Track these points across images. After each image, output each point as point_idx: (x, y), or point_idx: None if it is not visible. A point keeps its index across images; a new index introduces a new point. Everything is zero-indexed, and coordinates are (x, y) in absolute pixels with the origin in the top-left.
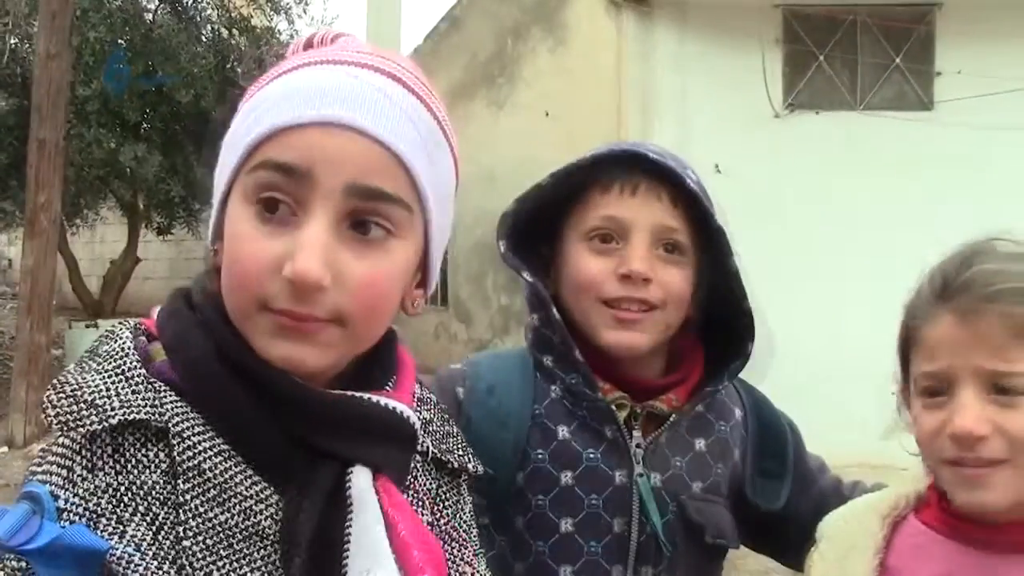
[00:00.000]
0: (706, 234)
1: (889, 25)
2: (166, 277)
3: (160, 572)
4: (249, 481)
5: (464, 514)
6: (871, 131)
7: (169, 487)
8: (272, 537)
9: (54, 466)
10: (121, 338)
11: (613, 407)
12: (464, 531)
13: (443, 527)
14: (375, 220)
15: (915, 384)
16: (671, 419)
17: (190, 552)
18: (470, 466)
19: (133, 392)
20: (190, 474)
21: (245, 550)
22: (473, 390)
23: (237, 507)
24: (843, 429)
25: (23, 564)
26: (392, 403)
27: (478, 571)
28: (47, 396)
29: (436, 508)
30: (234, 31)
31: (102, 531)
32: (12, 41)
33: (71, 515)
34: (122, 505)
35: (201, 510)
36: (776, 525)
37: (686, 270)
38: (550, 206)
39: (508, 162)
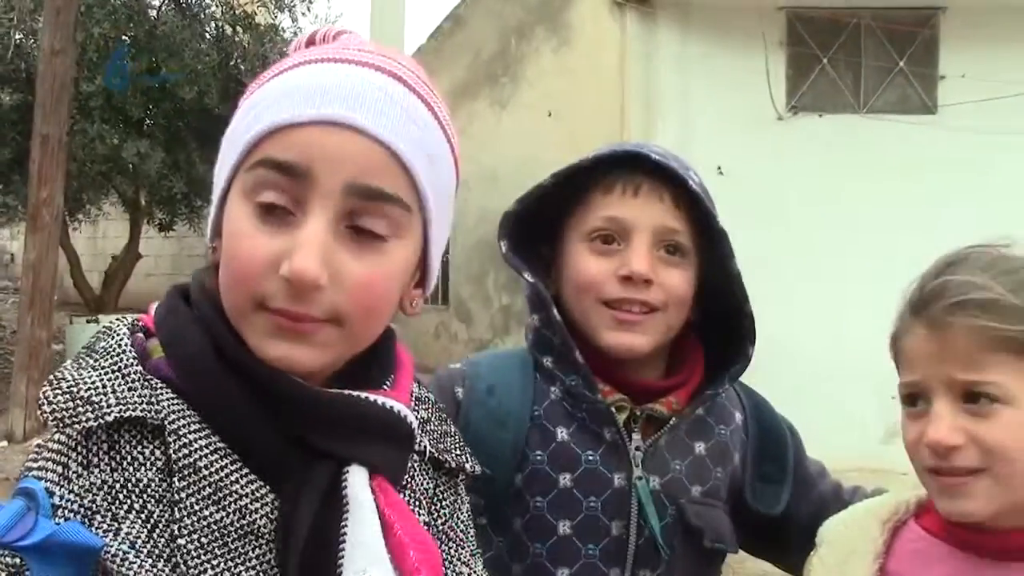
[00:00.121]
0: (707, 236)
1: (893, 28)
2: (168, 273)
3: (155, 570)
4: (245, 479)
5: (461, 514)
6: (874, 134)
7: (165, 485)
8: (268, 536)
9: (49, 462)
10: (118, 334)
11: (613, 409)
12: (461, 531)
13: (440, 527)
14: (374, 220)
15: (898, 394)
16: (671, 422)
17: (185, 550)
18: (468, 466)
19: (129, 389)
20: (186, 472)
21: (240, 549)
22: (472, 390)
23: (233, 505)
24: (843, 432)
25: (18, 560)
26: (389, 402)
27: (475, 571)
28: (43, 392)
29: (433, 508)
30: (238, 28)
31: (97, 528)
32: (16, 36)
33: (66, 512)
34: (117, 502)
35: (196, 508)
36: (775, 529)
37: (687, 272)
38: (552, 206)
39: (510, 162)
